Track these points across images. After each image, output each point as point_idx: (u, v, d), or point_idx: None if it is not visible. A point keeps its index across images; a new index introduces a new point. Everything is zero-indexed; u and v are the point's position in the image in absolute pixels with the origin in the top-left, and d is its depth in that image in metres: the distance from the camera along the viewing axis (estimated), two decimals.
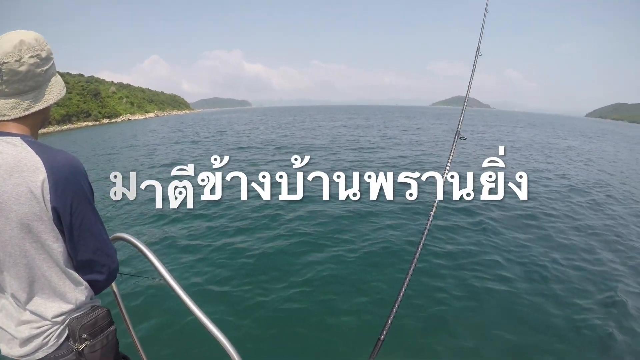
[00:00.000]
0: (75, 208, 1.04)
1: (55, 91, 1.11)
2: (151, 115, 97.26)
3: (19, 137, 1.02)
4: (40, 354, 1.09)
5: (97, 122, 69.33)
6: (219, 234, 6.52)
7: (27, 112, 1.05)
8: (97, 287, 1.20)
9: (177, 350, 3.63)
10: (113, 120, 75.91)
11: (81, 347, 1.10)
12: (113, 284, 1.56)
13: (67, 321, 1.11)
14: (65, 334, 1.12)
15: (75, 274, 1.12)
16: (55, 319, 1.09)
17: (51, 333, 1.09)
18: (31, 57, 1.01)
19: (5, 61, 0.98)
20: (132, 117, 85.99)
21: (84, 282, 1.14)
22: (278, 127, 33.11)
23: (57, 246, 1.05)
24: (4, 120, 1.05)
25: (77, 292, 1.12)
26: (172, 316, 4.07)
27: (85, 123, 65.81)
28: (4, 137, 1.02)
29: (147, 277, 4.13)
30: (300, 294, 4.53)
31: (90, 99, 73.00)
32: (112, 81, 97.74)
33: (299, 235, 6.35)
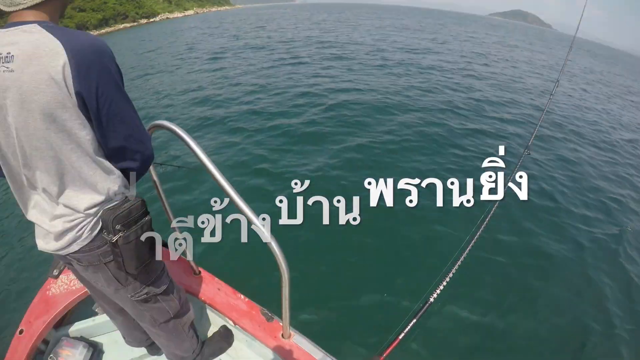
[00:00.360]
0: (101, 92, 0.94)
1: None
2: (190, 12, 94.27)
3: (35, 24, 0.92)
4: (75, 247, 1.09)
5: (135, 23, 67.48)
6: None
7: None
8: (131, 176, 1.16)
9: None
10: (151, 19, 73.99)
11: (115, 238, 1.07)
12: (152, 171, 1.54)
13: (100, 213, 1.09)
14: (99, 226, 1.10)
15: (107, 163, 1.06)
16: (88, 211, 1.06)
17: (84, 225, 1.08)
18: None
19: None
20: (171, 16, 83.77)
21: (117, 171, 1.10)
22: (322, 22, 31.32)
23: (85, 134, 0.98)
24: (19, 10, 0.94)
25: (109, 181, 1.07)
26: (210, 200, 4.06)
27: (122, 25, 64.09)
28: (19, 27, 0.92)
29: (186, 166, 4.13)
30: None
31: (126, 0, 70.73)
32: None
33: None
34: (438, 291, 2.23)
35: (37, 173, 1.00)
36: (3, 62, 0.89)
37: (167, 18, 79.57)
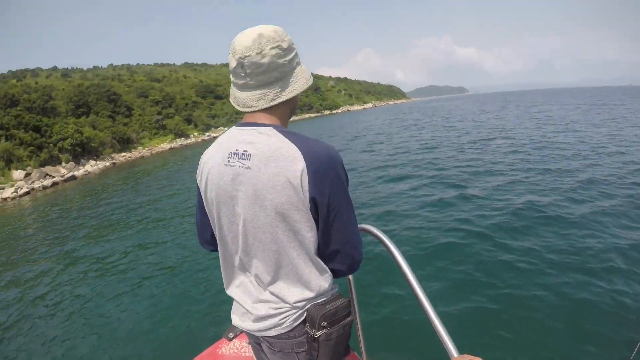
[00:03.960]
0: (333, 199, 0.97)
1: (301, 80, 1.06)
2: (369, 105, 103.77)
3: (271, 127, 0.99)
4: (273, 332, 1.09)
5: (319, 114, 77.98)
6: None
7: (273, 103, 1.01)
8: (335, 276, 1.14)
9: (397, 347, 3.59)
10: (334, 111, 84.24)
11: (318, 334, 1.05)
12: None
13: (307, 307, 1.07)
14: (302, 318, 1.08)
15: (322, 263, 1.07)
16: (296, 304, 1.06)
17: (288, 316, 1.07)
18: (272, 48, 0.97)
19: (247, 55, 0.96)
20: (351, 108, 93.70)
21: (329, 270, 1.09)
22: (497, 110, 31.32)
23: (311, 236, 1.00)
24: (252, 112, 1.03)
25: (321, 280, 1.07)
26: (403, 313, 4.06)
27: (308, 115, 74.52)
28: (256, 128, 1.00)
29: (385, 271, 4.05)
30: None
31: (312, 93, 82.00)
32: (330, 76, 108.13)
33: None
34: None
35: (254, 260, 1.05)
36: (239, 158, 0.97)
37: (348, 110, 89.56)
